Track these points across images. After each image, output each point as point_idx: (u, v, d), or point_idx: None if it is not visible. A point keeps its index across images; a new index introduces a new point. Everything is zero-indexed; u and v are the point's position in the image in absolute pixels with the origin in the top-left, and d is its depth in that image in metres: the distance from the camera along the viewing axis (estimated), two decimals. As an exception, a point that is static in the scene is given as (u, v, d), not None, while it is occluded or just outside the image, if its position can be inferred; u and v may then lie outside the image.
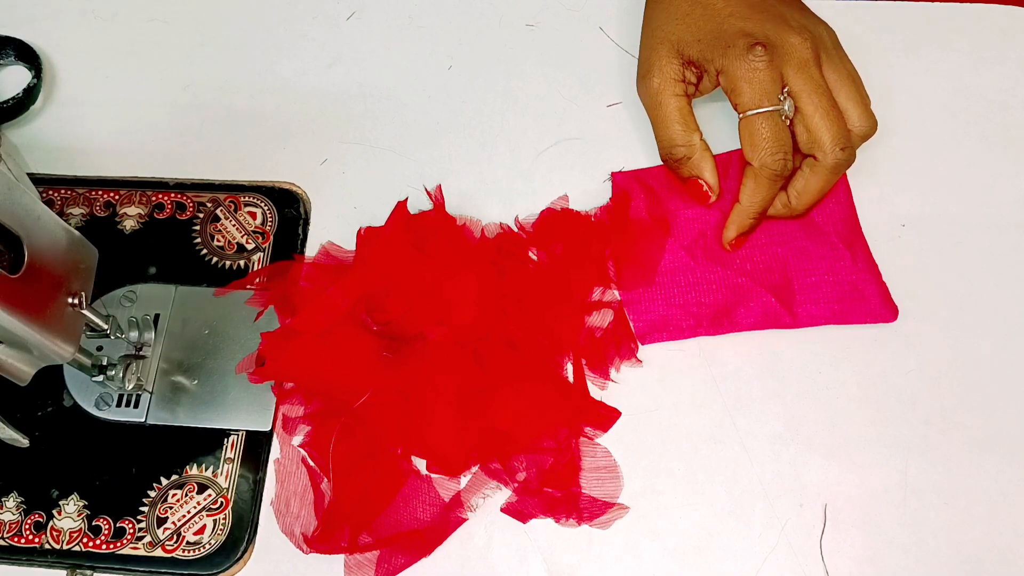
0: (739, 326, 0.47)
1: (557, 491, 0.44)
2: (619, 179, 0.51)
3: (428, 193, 0.51)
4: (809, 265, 0.48)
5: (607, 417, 0.46)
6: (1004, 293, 0.48)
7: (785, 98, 0.45)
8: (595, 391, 0.47)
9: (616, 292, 0.49)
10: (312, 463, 0.45)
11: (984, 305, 0.48)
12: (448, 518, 0.44)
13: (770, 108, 0.45)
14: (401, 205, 0.50)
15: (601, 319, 0.48)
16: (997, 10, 0.55)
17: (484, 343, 0.46)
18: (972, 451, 0.45)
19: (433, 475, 0.45)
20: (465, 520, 0.44)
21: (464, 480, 0.45)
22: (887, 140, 0.52)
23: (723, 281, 0.48)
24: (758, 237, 0.49)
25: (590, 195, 0.51)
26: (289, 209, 0.51)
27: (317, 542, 0.44)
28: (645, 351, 0.48)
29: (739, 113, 0.46)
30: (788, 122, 0.45)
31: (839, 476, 0.45)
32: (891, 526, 0.44)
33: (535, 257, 0.49)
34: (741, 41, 0.45)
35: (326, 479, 0.45)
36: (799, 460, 0.45)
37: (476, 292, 0.47)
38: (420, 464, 0.46)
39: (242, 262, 0.50)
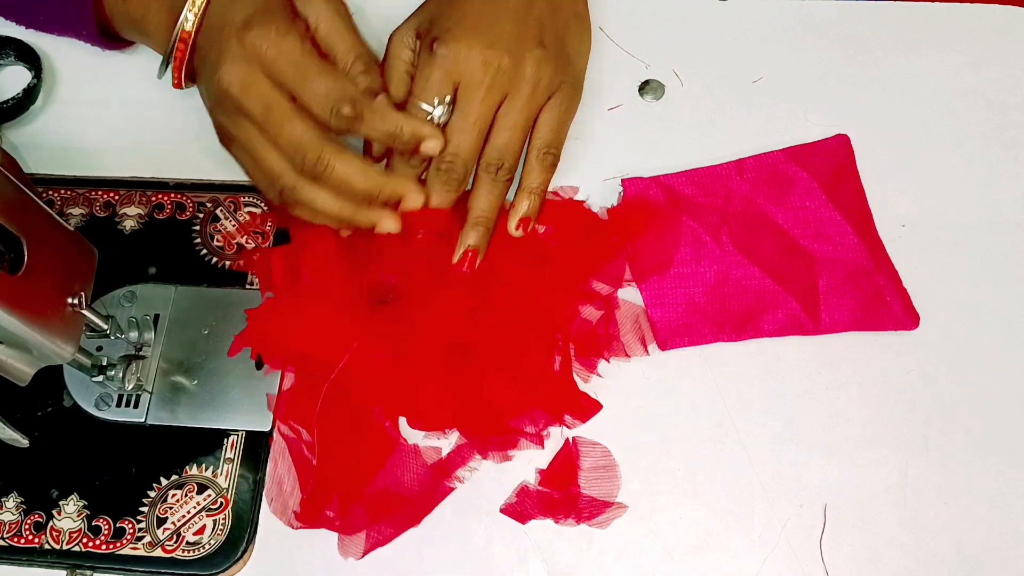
0: (762, 332, 0.47)
1: (556, 492, 0.45)
2: (630, 182, 0.51)
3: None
4: (833, 271, 0.48)
5: (588, 409, 0.46)
6: (1004, 293, 0.48)
7: (442, 103, 0.46)
8: (584, 386, 0.47)
9: (605, 286, 0.49)
10: (293, 433, 0.46)
11: (984, 305, 0.48)
12: (436, 487, 0.45)
13: (425, 107, 0.46)
14: None
15: (594, 313, 0.48)
16: (997, 10, 0.55)
17: (476, 312, 0.47)
18: (972, 451, 0.45)
19: (420, 445, 0.45)
20: (453, 489, 0.45)
21: (445, 448, 0.46)
22: (887, 140, 0.51)
23: (750, 283, 0.48)
24: (781, 242, 0.49)
25: (591, 195, 0.51)
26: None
27: (304, 516, 0.44)
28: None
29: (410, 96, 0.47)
30: (437, 124, 0.46)
31: (839, 476, 0.45)
32: (891, 526, 0.44)
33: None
34: (434, 34, 0.46)
35: (311, 452, 0.45)
36: (799, 460, 0.45)
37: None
38: (407, 433, 0.46)
39: (242, 262, 0.50)
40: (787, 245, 0.49)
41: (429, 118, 0.46)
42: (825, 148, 0.51)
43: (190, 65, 0.48)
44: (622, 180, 0.51)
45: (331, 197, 0.45)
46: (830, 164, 0.50)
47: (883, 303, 0.47)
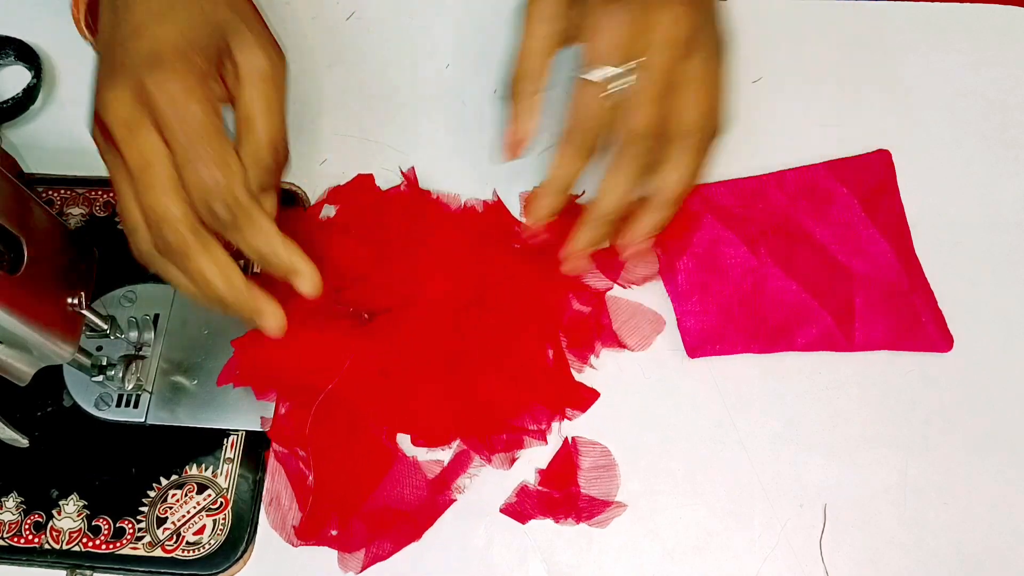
0: (795, 346, 0.47)
1: (556, 491, 0.45)
2: None
3: (403, 174, 0.51)
4: (869, 289, 0.47)
5: (586, 398, 0.46)
6: (1004, 293, 0.48)
7: (627, 69, 0.39)
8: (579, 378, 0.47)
9: (600, 281, 0.49)
10: (288, 450, 0.45)
11: (984, 305, 0.48)
12: (436, 501, 0.44)
13: (599, 77, 0.39)
14: (361, 178, 0.50)
15: (584, 305, 0.48)
16: (997, 10, 0.55)
17: (465, 314, 0.46)
18: (972, 451, 0.45)
19: (420, 458, 0.45)
20: (454, 501, 0.45)
21: (447, 456, 0.45)
22: (887, 140, 0.51)
23: (785, 296, 0.47)
24: (819, 257, 0.48)
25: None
26: (289, 209, 0.51)
27: (303, 532, 0.44)
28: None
29: (577, 72, 0.40)
30: (610, 99, 0.40)
31: (839, 476, 0.45)
32: (891, 526, 0.44)
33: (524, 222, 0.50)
34: None
35: (307, 468, 0.45)
36: (799, 460, 0.45)
37: (448, 259, 0.47)
38: (405, 446, 0.46)
39: (242, 261, 0.50)
40: (825, 261, 0.48)
41: (605, 94, 0.39)
42: (866, 164, 0.51)
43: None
44: None
45: (185, 280, 0.40)
46: (871, 180, 0.50)
47: (918, 323, 0.47)
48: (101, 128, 0.39)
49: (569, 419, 0.46)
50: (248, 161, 0.40)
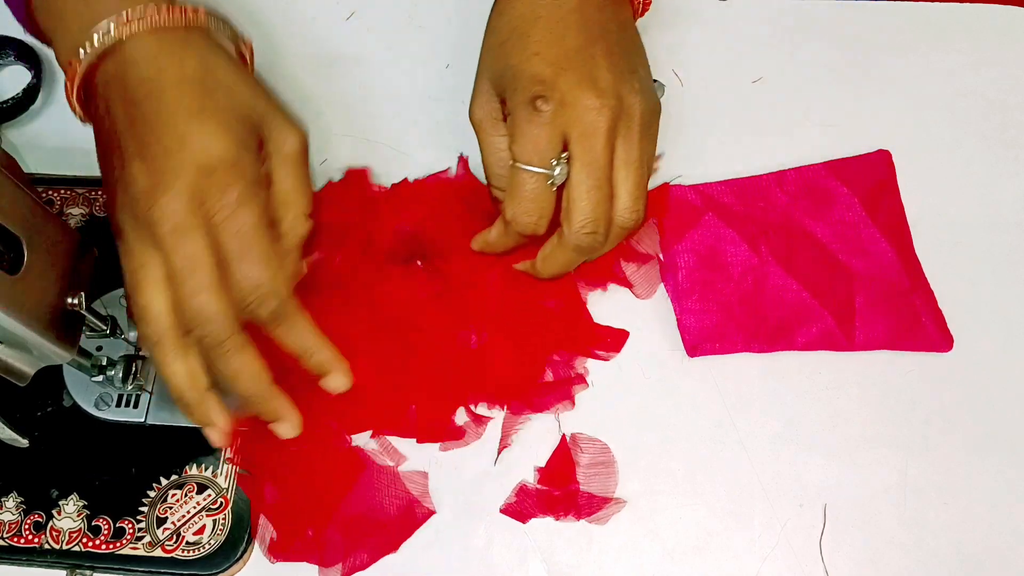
0: (795, 345, 0.47)
1: (555, 489, 0.45)
2: (678, 192, 0.50)
3: (461, 159, 0.52)
4: (870, 289, 0.47)
5: (616, 339, 0.47)
6: (1004, 293, 0.48)
7: (559, 162, 0.42)
8: (582, 392, 0.47)
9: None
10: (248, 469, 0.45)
11: (984, 305, 0.48)
12: (414, 513, 0.44)
13: (538, 170, 0.42)
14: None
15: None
16: (997, 10, 0.55)
17: (477, 291, 0.47)
18: (972, 451, 0.45)
19: (400, 468, 0.45)
20: (433, 513, 0.44)
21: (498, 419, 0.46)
22: (887, 140, 0.51)
23: (786, 295, 0.47)
24: (820, 256, 0.48)
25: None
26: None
27: (277, 549, 0.44)
28: (639, 347, 0.48)
29: (511, 160, 0.43)
30: (555, 187, 0.43)
31: (839, 476, 0.45)
32: (891, 526, 0.44)
33: None
34: (532, 88, 0.42)
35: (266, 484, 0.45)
36: (799, 460, 0.45)
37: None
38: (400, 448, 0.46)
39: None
40: (826, 260, 0.48)
41: (550, 182, 0.42)
42: (867, 163, 0.51)
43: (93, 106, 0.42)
44: (669, 185, 0.50)
45: (186, 378, 0.40)
46: (871, 180, 0.50)
47: (918, 323, 0.47)
48: (138, 228, 0.39)
49: (605, 359, 0.47)
50: (288, 235, 0.42)
